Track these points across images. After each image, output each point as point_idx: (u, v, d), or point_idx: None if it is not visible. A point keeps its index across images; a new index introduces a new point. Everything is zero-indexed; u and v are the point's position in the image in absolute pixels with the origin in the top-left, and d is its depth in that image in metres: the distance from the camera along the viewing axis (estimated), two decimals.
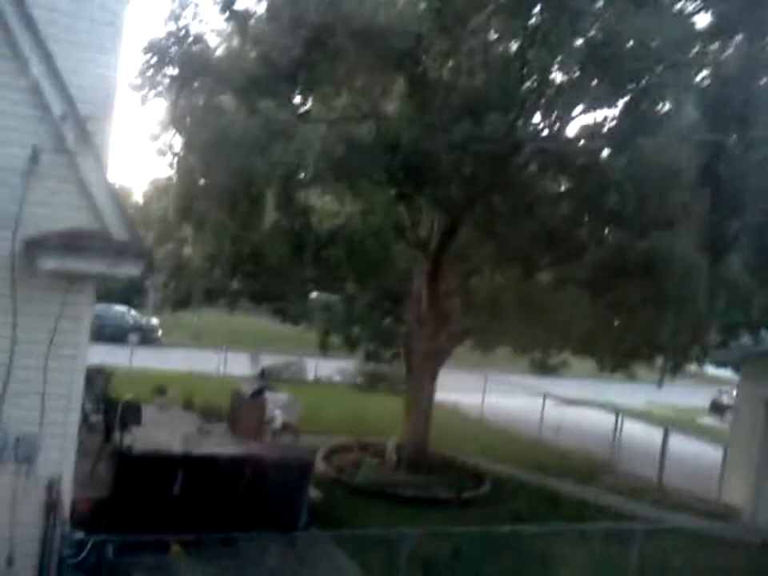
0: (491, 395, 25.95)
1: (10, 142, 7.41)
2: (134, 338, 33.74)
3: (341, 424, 18.86)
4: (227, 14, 12.30)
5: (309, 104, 13.48)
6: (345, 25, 10.45)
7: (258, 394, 15.27)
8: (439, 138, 11.18)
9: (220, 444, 11.78)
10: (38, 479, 7.70)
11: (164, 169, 16.14)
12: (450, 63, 12.10)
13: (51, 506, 7.50)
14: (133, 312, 37.01)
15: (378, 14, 10.65)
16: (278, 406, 14.55)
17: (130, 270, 7.87)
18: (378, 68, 11.73)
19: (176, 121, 13.07)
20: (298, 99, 13.02)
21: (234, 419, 14.76)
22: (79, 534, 6.51)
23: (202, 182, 14.04)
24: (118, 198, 8.12)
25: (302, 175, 11.94)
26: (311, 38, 11.26)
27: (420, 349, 15.32)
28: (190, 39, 12.04)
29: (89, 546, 6.39)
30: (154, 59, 11.66)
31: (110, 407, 12.17)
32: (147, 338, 35.37)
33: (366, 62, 11.32)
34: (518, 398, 25.83)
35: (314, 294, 19.69)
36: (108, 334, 29.44)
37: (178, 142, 14.33)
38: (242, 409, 14.79)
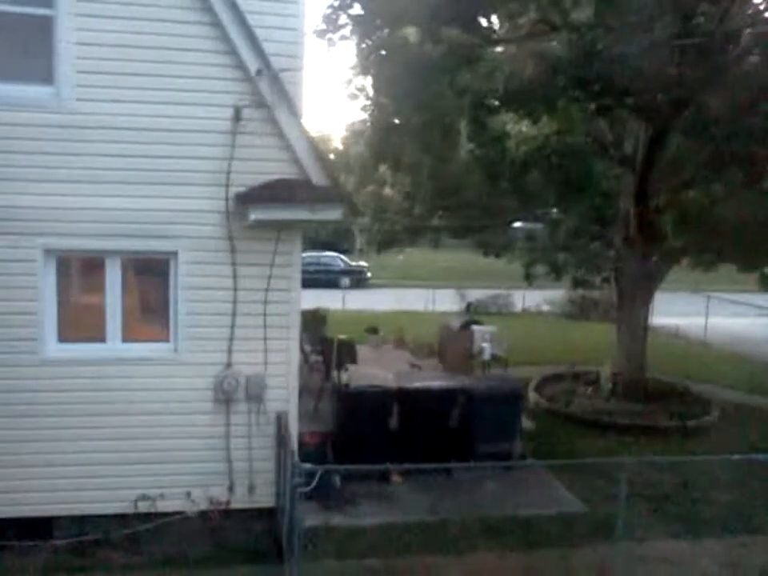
0: (715, 317, 24.36)
1: (214, 104, 7.96)
2: (344, 281, 35.53)
3: (551, 354, 18.64)
4: None
5: (494, 25, 13.03)
6: None
7: (466, 327, 15.52)
8: (639, 39, 10.34)
9: (432, 377, 12.10)
10: (268, 415, 8.49)
11: (358, 112, 16.51)
12: None
13: (281, 439, 8.21)
14: (342, 257, 38.86)
15: None
16: (485, 338, 14.71)
17: (331, 214, 8.20)
18: None
19: (363, 61, 13.23)
20: (483, 22, 12.60)
21: (444, 353, 15.14)
22: (308, 465, 7.05)
23: (394, 120, 14.17)
24: (317, 146, 8.43)
25: (493, 99, 11.64)
26: None
27: (631, 271, 14.61)
28: None
29: (317, 475, 6.89)
30: (336, 1, 11.79)
31: (326, 347, 12.96)
32: (357, 280, 37.11)
33: None
34: (745, 318, 24.01)
35: (516, 224, 19.37)
36: (321, 280, 31.38)
37: (367, 82, 14.56)
38: (450, 343, 15.12)
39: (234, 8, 7.71)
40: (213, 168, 8.01)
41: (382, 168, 17.26)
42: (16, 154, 7.66)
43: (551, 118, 13.36)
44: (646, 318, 14.95)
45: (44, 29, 7.58)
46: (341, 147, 27.47)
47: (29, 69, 7.84)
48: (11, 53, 7.78)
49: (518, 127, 14.64)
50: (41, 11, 7.55)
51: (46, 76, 7.68)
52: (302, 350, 11.99)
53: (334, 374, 12.28)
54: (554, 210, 16.72)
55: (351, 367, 12.32)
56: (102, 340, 8.18)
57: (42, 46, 7.63)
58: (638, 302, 14.77)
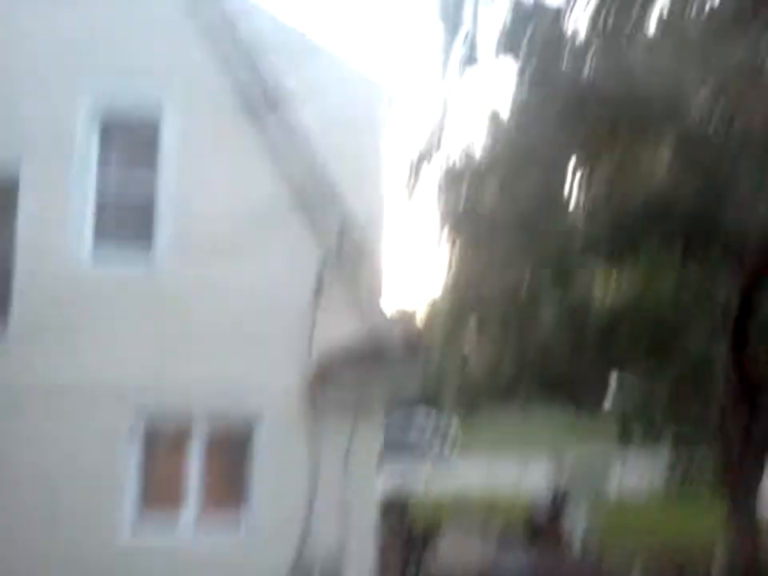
0: None
1: (294, 270, 8.20)
2: (428, 448, 34.50)
3: (653, 539, 16.64)
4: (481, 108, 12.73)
5: (573, 173, 13.25)
6: (599, 92, 10.24)
7: (555, 519, 14.36)
8: (728, 190, 10.25)
9: None
10: None
11: (440, 275, 16.74)
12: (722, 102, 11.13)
13: None
14: (425, 419, 38.06)
15: (632, 72, 10.31)
16: (576, 528, 13.59)
17: (410, 383, 8.03)
18: (639, 129, 11.22)
19: (443, 219, 13.56)
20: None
21: (532, 548, 14.03)
22: None
23: (474, 277, 14.21)
24: (399, 313, 8.42)
25: (574, 250, 11.58)
26: (557, 120, 11.20)
27: (737, 432, 13.46)
28: (447, 138, 12.59)
29: None
30: (416, 166, 12.29)
31: (409, 537, 12.20)
32: (442, 448, 35.99)
33: (626, 124, 10.91)
34: None
35: (609, 379, 18.62)
36: (406, 443, 30.56)
37: (447, 239, 14.76)
38: (539, 536, 14.04)
39: (321, 181, 8.05)
40: (294, 336, 8.01)
41: (467, 332, 17.13)
42: (107, 317, 7.93)
43: (637, 269, 13.13)
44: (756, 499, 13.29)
45: (146, 193, 8.14)
46: (425, 315, 27.64)
47: (128, 239, 8.31)
48: (113, 215, 8.29)
49: (601, 279, 14.43)
50: (144, 191, 8.13)
51: (144, 246, 8.13)
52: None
53: (415, 564, 11.44)
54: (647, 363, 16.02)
55: (432, 558, 11.46)
56: (176, 522, 7.94)
57: (141, 219, 8.17)
58: (747, 478, 13.28)
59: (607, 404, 18.09)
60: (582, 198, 11.20)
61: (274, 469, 8.02)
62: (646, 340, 14.03)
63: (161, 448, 8.41)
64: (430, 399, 42.10)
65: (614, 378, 18.82)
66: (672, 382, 15.02)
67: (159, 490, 8.14)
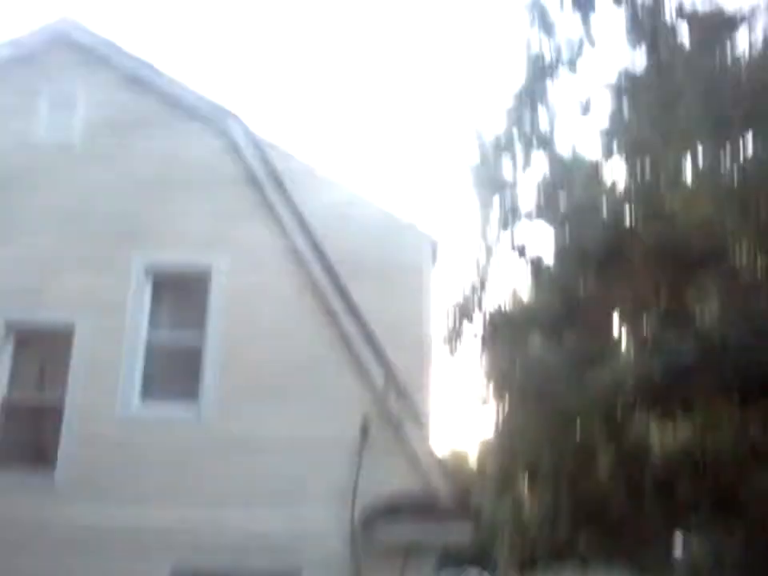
0: None
1: (342, 418, 7.95)
2: None
3: None
4: (522, 259, 12.97)
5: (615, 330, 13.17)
6: (636, 242, 10.38)
7: None
8: None
9: None
10: None
11: (491, 425, 16.38)
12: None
13: None
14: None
15: (672, 221, 10.46)
16: None
17: (459, 534, 7.69)
18: (679, 276, 11.24)
19: (488, 370, 13.47)
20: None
21: None
22: None
23: (525, 426, 13.89)
24: (446, 461, 8.20)
25: (622, 401, 11.30)
26: (599, 269, 11.36)
27: None
28: (489, 290, 12.76)
29: None
30: (459, 313, 12.39)
31: None
32: None
33: (665, 272, 10.95)
34: None
35: (674, 538, 17.47)
36: None
37: (494, 391, 14.63)
38: None
39: (366, 332, 8.09)
40: (339, 485, 7.79)
41: (519, 481, 16.53)
42: (153, 469, 7.83)
43: (690, 418, 12.67)
44: None
45: (192, 353, 8.25)
46: (476, 464, 26.88)
47: (175, 388, 8.36)
48: (161, 374, 8.41)
49: (654, 429, 13.94)
50: (192, 342, 8.30)
51: (191, 395, 8.14)
52: None
53: None
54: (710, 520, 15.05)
55: None
56: None
57: (189, 368, 8.23)
58: None
59: (673, 563, 16.92)
60: (631, 350, 11.08)
61: None
62: (708, 492, 13.31)
63: None
64: (483, 556, 39.99)
65: (678, 534, 17.71)
66: (742, 537, 14.06)
67: None
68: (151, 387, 8.31)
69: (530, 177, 13.06)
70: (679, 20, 11.58)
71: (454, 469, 17.15)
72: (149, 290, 8.53)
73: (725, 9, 11.57)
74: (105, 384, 8.13)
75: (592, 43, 12.07)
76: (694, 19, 11.43)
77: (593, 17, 11.67)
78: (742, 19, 11.67)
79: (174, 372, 8.54)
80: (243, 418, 8.00)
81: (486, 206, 13.28)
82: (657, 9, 11.49)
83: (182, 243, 8.58)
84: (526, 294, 13.89)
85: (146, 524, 7.68)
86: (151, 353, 8.40)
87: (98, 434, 7.96)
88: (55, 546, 7.62)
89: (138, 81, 8.89)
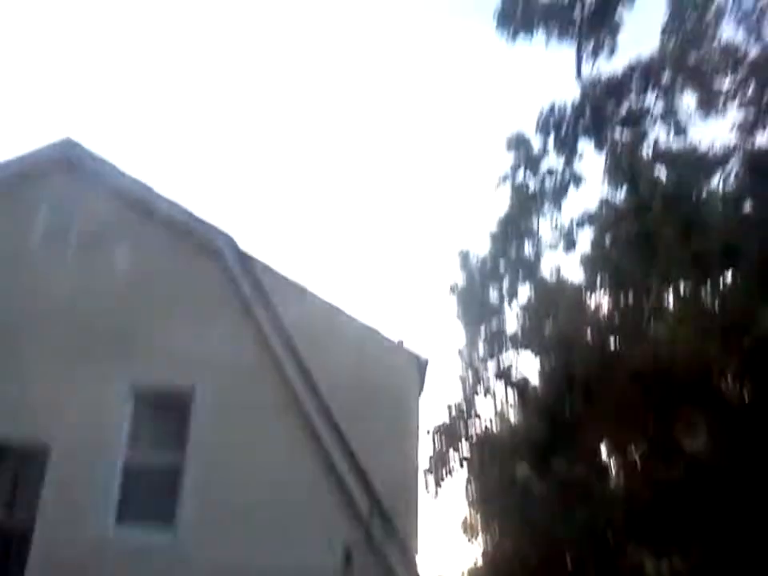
0: None
1: (321, 544, 7.62)
2: None
3: None
4: (509, 384, 12.93)
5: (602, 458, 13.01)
6: (621, 368, 10.42)
7: None
8: None
9: None
10: None
11: (476, 551, 15.83)
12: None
13: None
14: None
15: (658, 348, 10.56)
16: None
17: None
18: (666, 402, 11.21)
19: (473, 499, 13.14)
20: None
21: None
22: None
23: (510, 557, 13.42)
24: None
25: (612, 531, 10.99)
26: (585, 392, 11.32)
27: None
28: (476, 415, 12.63)
29: None
30: (444, 442, 12.22)
31: None
32: None
33: (651, 399, 10.93)
34: None
35: None
36: None
37: (481, 518, 14.21)
38: None
39: (350, 456, 7.92)
40: None
41: None
42: None
43: (684, 550, 12.28)
44: None
45: (173, 467, 7.99)
46: None
47: (152, 511, 8.02)
48: (138, 495, 8.06)
49: (653, 563, 13.45)
50: (172, 463, 8.04)
51: (168, 518, 7.82)
52: None
53: None
54: None
55: None
56: None
57: (167, 490, 7.95)
58: None
59: None
60: (621, 477, 10.91)
61: None
62: None
63: None
64: None
65: None
66: None
67: None
68: (127, 509, 7.96)
69: (515, 303, 13.29)
70: (656, 159, 12.15)
71: None
72: (130, 408, 8.35)
73: (698, 147, 12.18)
74: (79, 504, 7.80)
75: (576, 182, 12.62)
76: (669, 158, 12.00)
77: (575, 158, 12.25)
78: (716, 157, 12.26)
79: (152, 493, 8.21)
80: (221, 544, 7.63)
81: (472, 330, 13.40)
82: (635, 148, 12.06)
83: (166, 362, 8.42)
84: (512, 418, 13.80)
85: None
86: (129, 473, 8.10)
87: (71, 554, 7.52)
88: None
89: (135, 202, 9.02)
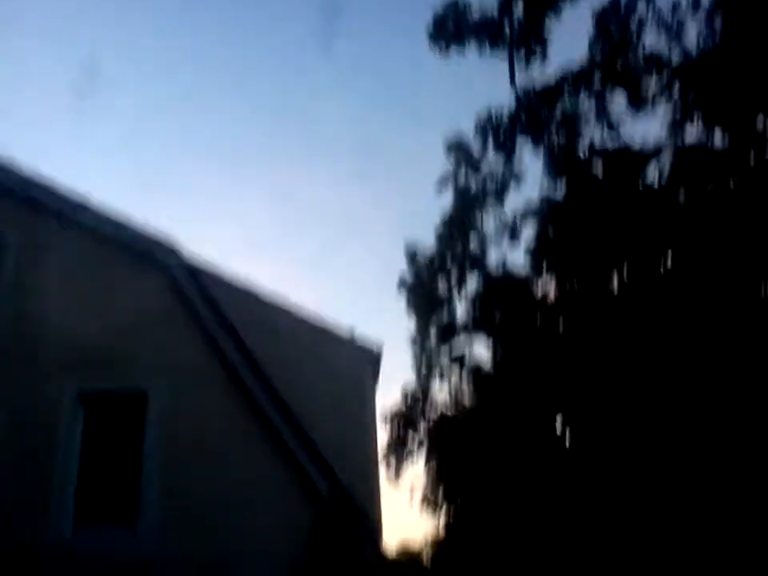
0: None
1: (286, 530, 7.90)
2: None
3: None
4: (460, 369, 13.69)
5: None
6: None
7: None
8: None
9: None
10: None
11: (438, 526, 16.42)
12: None
13: None
14: None
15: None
16: None
17: None
18: None
19: (432, 478, 13.79)
20: None
21: None
22: None
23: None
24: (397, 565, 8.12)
25: None
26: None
27: None
28: (430, 403, 13.36)
29: None
30: (402, 425, 12.90)
31: None
32: None
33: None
34: None
35: None
36: None
37: (442, 495, 14.87)
38: None
39: (309, 445, 8.17)
40: None
41: None
42: None
43: None
44: None
45: (129, 476, 8.18)
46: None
47: (112, 511, 8.15)
48: (96, 497, 8.21)
49: None
50: (129, 465, 8.21)
51: (128, 518, 7.98)
52: None
53: None
54: None
55: None
56: None
57: (126, 491, 8.14)
58: None
59: None
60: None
61: None
62: None
63: None
64: None
65: None
66: None
67: None
68: (86, 512, 8.10)
69: (464, 293, 13.98)
70: (592, 156, 12.93)
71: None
72: (82, 413, 8.41)
73: (631, 145, 12.98)
74: (35, 513, 7.93)
75: (516, 179, 13.39)
76: (604, 155, 12.79)
77: (514, 157, 12.98)
78: (647, 153, 13.07)
79: (110, 495, 8.30)
80: (183, 542, 7.82)
81: (423, 321, 14.09)
82: (571, 146, 12.83)
83: (118, 370, 8.49)
84: (466, 402, 14.54)
85: None
86: (87, 480, 8.23)
87: (29, 565, 7.67)
88: None
89: (72, 221, 8.92)
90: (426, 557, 17.47)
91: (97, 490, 8.25)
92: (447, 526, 15.75)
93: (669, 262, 13.37)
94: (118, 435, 8.50)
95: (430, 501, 15.29)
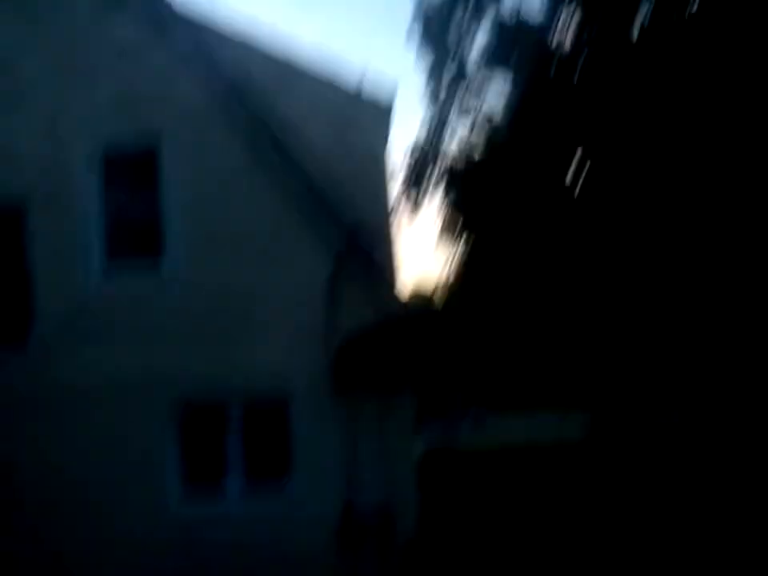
0: None
1: (309, 264, 8.34)
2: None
3: None
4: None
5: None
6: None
7: None
8: None
9: None
10: None
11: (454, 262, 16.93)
12: None
13: None
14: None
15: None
16: None
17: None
18: None
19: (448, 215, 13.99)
20: None
21: None
22: None
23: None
24: (413, 296, 8.53)
25: None
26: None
27: None
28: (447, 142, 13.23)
29: None
30: (418, 163, 12.88)
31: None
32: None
33: None
34: None
35: None
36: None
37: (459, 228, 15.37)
38: None
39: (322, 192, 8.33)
40: (315, 326, 8.20)
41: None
42: (126, 324, 8.40)
43: None
44: None
45: (152, 212, 8.58)
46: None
47: (138, 247, 8.67)
48: (122, 234, 8.70)
49: None
50: (149, 197, 8.60)
51: (155, 255, 8.52)
52: None
53: None
54: None
55: None
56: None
57: (151, 226, 8.60)
58: None
59: None
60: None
61: (313, 439, 8.18)
62: None
63: (199, 428, 8.47)
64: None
65: None
66: None
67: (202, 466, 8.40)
68: (114, 256, 8.66)
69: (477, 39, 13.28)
70: None
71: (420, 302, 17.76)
72: (99, 164, 8.69)
73: None
74: (67, 259, 8.55)
75: None
76: None
77: None
78: None
79: (136, 239, 8.73)
80: (209, 278, 8.35)
81: (438, 60, 13.50)
82: None
83: (129, 117, 8.64)
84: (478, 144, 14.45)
85: (132, 375, 8.19)
86: (111, 224, 8.66)
87: (66, 305, 8.45)
88: (35, 407, 8.28)
89: None
90: (437, 301, 18.39)
91: (124, 230, 8.72)
92: (461, 263, 16.35)
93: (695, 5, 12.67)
94: (137, 181, 8.82)
95: (449, 230, 15.63)
